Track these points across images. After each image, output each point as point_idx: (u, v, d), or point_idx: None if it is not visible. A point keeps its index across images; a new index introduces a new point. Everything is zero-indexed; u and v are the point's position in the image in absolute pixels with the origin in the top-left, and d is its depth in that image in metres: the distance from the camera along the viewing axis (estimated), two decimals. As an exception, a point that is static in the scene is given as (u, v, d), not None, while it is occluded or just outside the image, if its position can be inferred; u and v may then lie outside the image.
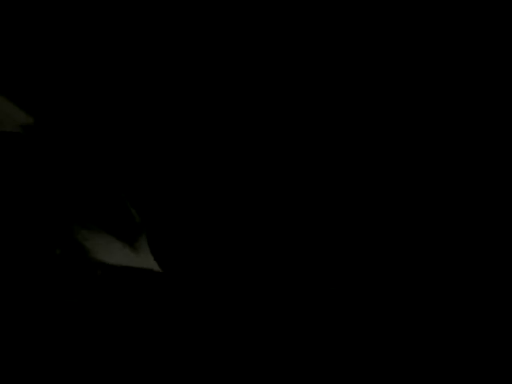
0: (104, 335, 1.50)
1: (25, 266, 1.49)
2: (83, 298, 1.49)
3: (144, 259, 1.45)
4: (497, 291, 1.43)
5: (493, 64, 1.47)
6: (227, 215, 1.49)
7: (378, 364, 1.44)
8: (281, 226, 1.49)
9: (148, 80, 1.52)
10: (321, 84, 1.51)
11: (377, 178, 1.50)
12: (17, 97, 1.43)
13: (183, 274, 1.48)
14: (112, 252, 1.45)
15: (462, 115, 1.49)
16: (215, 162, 1.52)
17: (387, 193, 1.49)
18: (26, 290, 1.49)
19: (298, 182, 1.51)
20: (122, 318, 1.50)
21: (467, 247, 1.46)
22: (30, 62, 1.47)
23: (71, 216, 1.45)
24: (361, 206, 1.49)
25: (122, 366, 1.48)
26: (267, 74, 1.51)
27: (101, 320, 1.49)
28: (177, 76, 1.52)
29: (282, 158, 1.51)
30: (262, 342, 1.47)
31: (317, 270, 1.48)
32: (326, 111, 1.51)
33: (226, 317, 1.49)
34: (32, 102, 1.45)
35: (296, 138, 1.52)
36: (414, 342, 1.44)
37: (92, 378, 1.46)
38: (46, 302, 1.49)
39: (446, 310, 1.45)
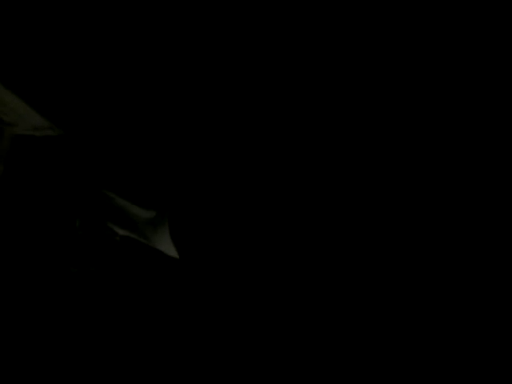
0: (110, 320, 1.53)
1: (44, 237, 1.52)
2: (100, 267, 1.51)
3: (162, 243, 1.47)
4: (497, 291, 1.42)
5: (493, 64, 1.46)
6: (242, 214, 1.50)
7: (377, 364, 1.44)
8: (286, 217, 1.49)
9: (163, 81, 1.53)
10: (321, 84, 1.51)
11: (377, 179, 1.50)
12: (31, 99, 1.46)
13: (197, 265, 1.49)
14: (132, 227, 1.48)
15: (462, 115, 1.48)
16: (234, 159, 1.52)
17: (387, 193, 1.49)
18: (44, 258, 1.52)
19: (303, 179, 1.51)
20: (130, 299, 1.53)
21: (467, 247, 1.46)
22: (45, 66, 1.49)
23: (94, 188, 1.47)
24: (361, 206, 1.49)
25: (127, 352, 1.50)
26: (267, 75, 1.51)
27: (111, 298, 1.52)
28: (187, 76, 1.53)
29: (290, 152, 1.52)
30: (267, 334, 1.48)
31: (318, 269, 1.48)
32: (326, 111, 1.51)
33: (232, 311, 1.50)
34: (46, 104, 1.48)
35: (297, 137, 1.52)
36: (413, 341, 1.44)
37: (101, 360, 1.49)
38: (63, 271, 1.52)
39: (446, 309, 1.45)
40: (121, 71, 1.54)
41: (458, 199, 1.48)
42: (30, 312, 1.51)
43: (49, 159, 1.54)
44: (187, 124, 1.55)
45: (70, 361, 1.49)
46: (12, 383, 1.45)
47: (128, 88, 1.55)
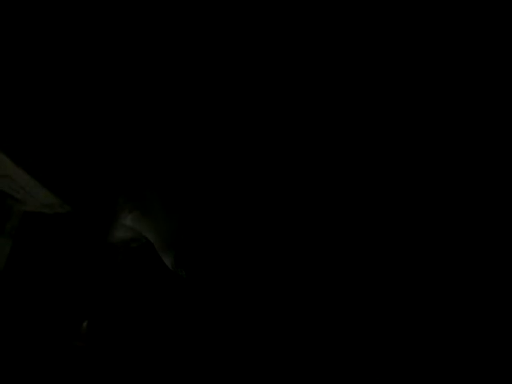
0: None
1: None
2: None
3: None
4: (497, 291, 1.41)
5: (493, 64, 1.46)
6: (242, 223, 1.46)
7: (377, 364, 1.40)
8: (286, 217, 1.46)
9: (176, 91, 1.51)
10: (321, 84, 1.50)
11: (376, 179, 1.49)
12: (41, 177, 1.46)
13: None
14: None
15: (462, 115, 1.48)
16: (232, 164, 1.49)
17: (387, 194, 1.47)
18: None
19: (302, 180, 1.48)
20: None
21: (467, 247, 1.45)
22: (55, 142, 1.50)
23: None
24: (361, 206, 1.47)
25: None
26: (267, 75, 1.50)
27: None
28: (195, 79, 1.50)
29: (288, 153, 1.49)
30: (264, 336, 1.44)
31: (319, 270, 1.45)
32: (326, 112, 1.50)
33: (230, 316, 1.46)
34: (56, 181, 1.49)
35: (296, 138, 1.50)
36: (413, 342, 1.40)
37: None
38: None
39: (446, 309, 1.42)
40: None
41: (458, 200, 1.48)
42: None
43: (58, 236, 1.53)
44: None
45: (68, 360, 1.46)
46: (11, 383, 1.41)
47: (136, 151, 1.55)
